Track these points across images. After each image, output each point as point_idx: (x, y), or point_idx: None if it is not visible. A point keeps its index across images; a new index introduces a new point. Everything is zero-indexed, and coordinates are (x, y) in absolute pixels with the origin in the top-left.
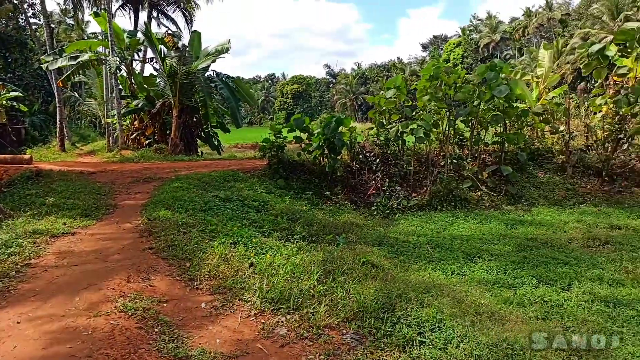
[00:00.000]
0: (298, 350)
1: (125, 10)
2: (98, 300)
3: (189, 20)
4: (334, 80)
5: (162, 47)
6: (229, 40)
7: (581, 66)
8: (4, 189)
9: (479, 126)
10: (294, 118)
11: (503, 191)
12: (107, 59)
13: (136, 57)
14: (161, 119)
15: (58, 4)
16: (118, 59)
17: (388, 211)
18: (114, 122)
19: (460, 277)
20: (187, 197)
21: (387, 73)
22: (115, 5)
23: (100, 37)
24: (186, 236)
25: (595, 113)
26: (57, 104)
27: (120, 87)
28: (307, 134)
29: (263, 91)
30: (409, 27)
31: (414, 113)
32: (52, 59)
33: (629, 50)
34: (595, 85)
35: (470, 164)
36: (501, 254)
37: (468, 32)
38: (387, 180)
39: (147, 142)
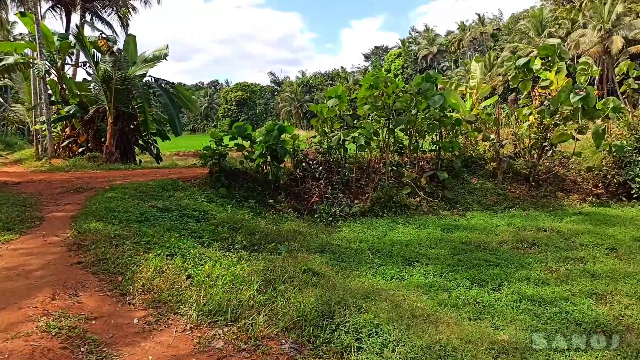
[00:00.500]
0: None
1: (55, 11)
2: (17, 320)
3: (125, 24)
4: (278, 88)
5: (96, 51)
6: (167, 45)
7: (509, 78)
8: None
9: (417, 134)
10: (236, 125)
11: (440, 197)
12: (35, 62)
13: (68, 60)
14: (95, 126)
15: None
16: (47, 63)
17: (331, 218)
18: (43, 129)
19: (399, 282)
20: (121, 208)
21: (331, 82)
22: (45, 6)
23: (28, 39)
24: (119, 249)
25: (522, 122)
26: None
27: (50, 92)
28: (249, 141)
29: (206, 98)
30: (352, 37)
31: (355, 121)
32: None
33: (550, 64)
34: (522, 96)
35: (410, 170)
36: (438, 258)
37: (407, 43)
38: (330, 187)
39: (80, 150)
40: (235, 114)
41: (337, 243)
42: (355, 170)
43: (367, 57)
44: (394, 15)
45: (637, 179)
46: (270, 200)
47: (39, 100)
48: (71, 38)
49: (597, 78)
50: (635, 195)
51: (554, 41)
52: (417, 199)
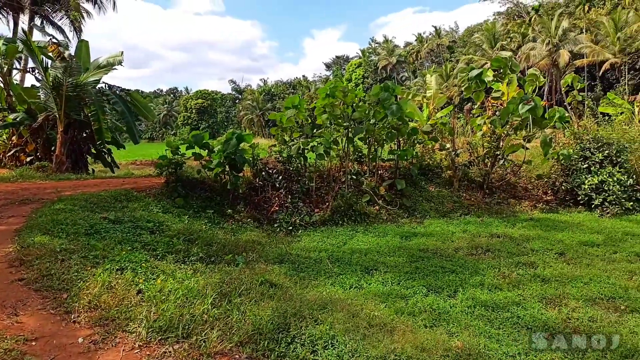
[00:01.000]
0: None
1: (2, 15)
2: None
3: (77, 29)
4: (240, 96)
5: (45, 56)
6: (122, 52)
7: (463, 89)
8: None
9: (375, 143)
10: (193, 134)
11: (399, 205)
12: None
13: (17, 66)
14: (45, 134)
15: None
16: None
17: (291, 228)
18: None
19: (358, 291)
20: (69, 220)
21: (293, 90)
22: None
23: None
24: (65, 264)
25: (476, 132)
26: None
27: None
28: (207, 150)
29: (165, 105)
30: (313, 46)
31: (315, 130)
32: None
33: (502, 76)
34: (476, 106)
35: (369, 179)
36: (396, 266)
37: (368, 54)
38: (290, 196)
39: (28, 159)
40: (195, 121)
41: (296, 253)
42: (315, 179)
43: (328, 66)
44: (354, 25)
45: (582, 186)
46: (229, 210)
47: None
48: (19, 42)
49: (546, 89)
50: (581, 202)
51: (506, 54)
52: (377, 207)
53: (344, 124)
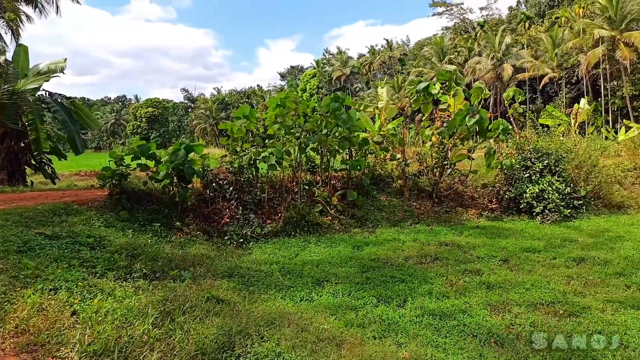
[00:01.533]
0: None
1: None
2: None
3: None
4: (193, 105)
5: None
6: (65, 59)
7: (411, 101)
8: None
9: (328, 153)
10: (138, 144)
11: (351, 214)
12: None
13: None
14: None
15: None
16: None
17: (242, 240)
18: None
19: (308, 304)
20: (0, 237)
21: (247, 99)
22: None
23: None
24: None
25: (426, 142)
26: None
27: None
28: (154, 161)
29: (113, 114)
30: (268, 56)
31: (267, 141)
32: None
33: (448, 88)
34: (424, 118)
35: (322, 189)
36: (347, 277)
37: (322, 64)
38: (241, 208)
39: None
40: (145, 130)
41: (247, 266)
42: (267, 189)
43: (282, 76)
44: (308, 37)
45: (524, 194)
46: (177, 223)
47: None
48: None
49: (492, 101)
50: (523, 209)
51: (451, 67)
52: (329, 218)
53: (296, 134)
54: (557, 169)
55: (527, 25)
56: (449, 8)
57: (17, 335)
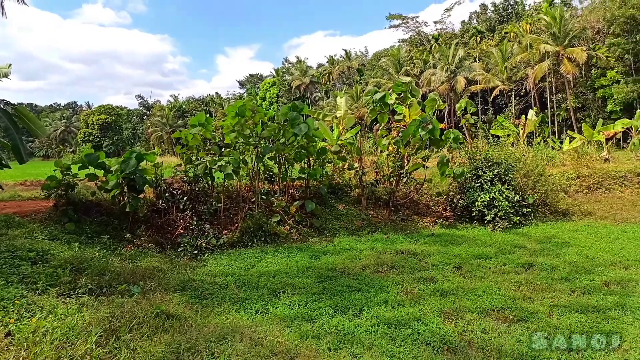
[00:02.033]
0: None
1: None
2: None
3: None
4: (148, 112)
5: None
6: (9, 65)
7: (368, 111)
8: None
9: (286, 162)
10: (86, 153)
11: (309, 224)
12: None
13: None
14: None
15: None
16: None
17: (196, 251)
18: None
19: (264, 316)
20: None
21: (205, 107)
22: None
23: None
24: None
25: (382, 152)
26: None
27: None
28: (103, 170)
29: (63, 120)
30: (227, 64)
31: (223, 149)
32: None
33: (403, 99)
34: (380, 127)
35: (280, 199)
36: (304, 287)
37: (282, 73)
38: (196, 218)
39: None
40: (97, 138)
41: (200, 278)
42: (224, 199)
43: (242, 84)
44: (268, 45)
45: (476, 202)
46: (128, 235)
47: None
48: None
49: (446, 112)
50: (475, 217)
51: (406, 79)
52: (287, 227)
53: (253, 143)
54: (506, 177)
55: (478, 39)
56: (405, 21)
57: None
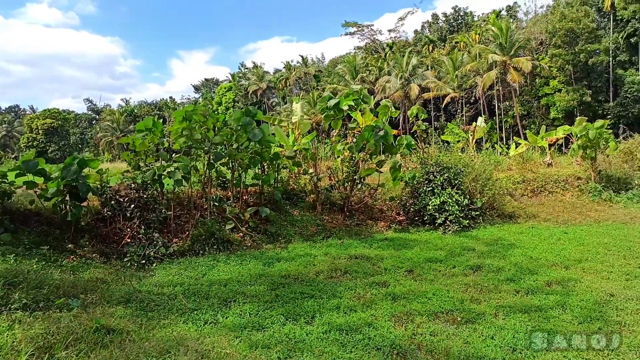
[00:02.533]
0: None
1: None
2: None
3: None
4: (97, 117)
5: None
6: None
7: (322, 117)
8: None
9: (240, 168)
10: (23, 160)
11: (263, 230)
12: None
13: None
14: None
15: None
16: None
17: (144, 261)
18: None
19: (213, 326)
20: None
21: (158, 112)
22: None
23: None
24: None
25: (337, 157)
26: None
27: None
28: (43, 177)
29: (4, 125)
30: (181, 68)
31: (174, 155)
32: None
33: (356, 106)
34: (335, 133)
35: (233, 205)
36: (256, 295)
37: (238, 78)
38: (144, 226)
39: None
40: (42, 143)
41: (147, 289)
42: (174, 206)
43: (197, 88)
44: (224, 49)
45: (428, 206)
46: (70, 245)
47: None
48: None
49: (401, 119)
50: (427, 221)
51: (357, 87)
52: (241, 234)
53: (204, 149)
54: (456, 182)
55: (430, 48)
56: (360, 28)
57: None
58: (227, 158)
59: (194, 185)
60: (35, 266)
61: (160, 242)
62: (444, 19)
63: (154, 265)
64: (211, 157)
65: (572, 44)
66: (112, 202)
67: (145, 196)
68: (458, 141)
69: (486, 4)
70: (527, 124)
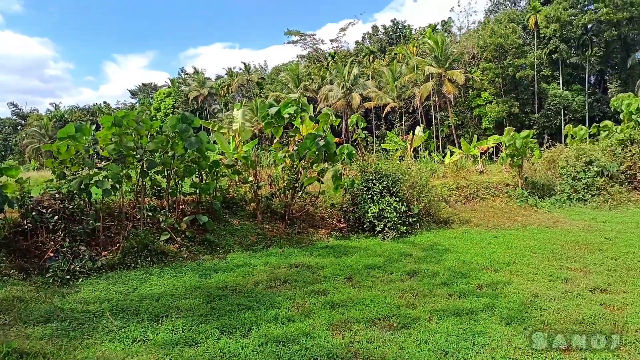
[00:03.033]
0: None
1: None
2: None
3: None
4: (23, 122)
5: None
6: None
7: (263, 124)
8: None
9: (176, 177)
10: None
11: (201, 241)
12: None
13: None
14: None
15: None
16: None
17: (68, 277)
18: None
19: (142, 344)
20: None
21: (91, 117)
22: None
23: None
24: None
25: (278, 165)
26: None
27: None
28: None
29: None
30: (117, 72)
31: (103, 163)
32: None
33: (295, 115)
34: (275, 141)
35: (169, 215)
36: (190, 309)
37: (178, 83)
38: (69, 239)
39: None
40: None
41: (71, 307)
42: (104, 217)
43: (134, 93)
44: (163, 54)
45: (367, 214)
46: None
47: None
48: None
49: (343, 127)
50: (367, 228)
51: (294, 96)
52: (177, 245)
53: (137, 156)
54: (394, 189)
55: (371, 58)
56: (302, 37)
57: None
58: (162, 166)
59: (126, 195)
60: None
61: (87, 256)
62: (383, 31)
63: (80, 280)
64: (144, 165)
65: (501, 58)
66: (34, 213)
67: (71, 207)
68: (397, 149)
69: (423, 18)
70: (461, 133)
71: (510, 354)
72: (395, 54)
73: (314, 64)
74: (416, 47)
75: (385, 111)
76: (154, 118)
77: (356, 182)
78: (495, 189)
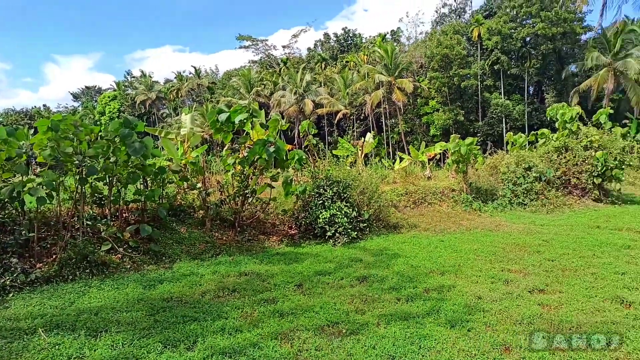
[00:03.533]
0: None
1: None
2: None
3: None
4: None
5: None
6: None
7: (212, 131)
8: None
9: (119, 184)
10: None
11: (146, 250)
12: None
13: None
14: None
15: None
16: None
17: None
18: None
19: None
20: None
21: (29, 121)
22: None
23: None
24: None
25: (228, 171)
26: None
27: None
28: None
29: None
30: (58, 73)
31: (39, 169)
32: None
33: (245, 121)
34: (226, 147)
35: (111, 224)
36: (132, 322)
37: (124, 87)
38: None
39: None
40: None
41: None
42: (39, 227)
43: (76, 96)
44: (108, 56)
45: (318, 219)
46: None
47: None
48: None
49: (295, 133)
50: (318, 234)
51: (243, 102)
52: (119, 256)
53: (75, 162)
54: (345, 195)
55: (323, 65)
56: (254, 43)
57: None
58: (104, 172)
59: (64, 203)
60: None
61: (19, 269)
62: (335, 38)
63: (11, 295)
64: (84, 171)
65: (447, 68)
66: None
67: (1, 216)
68: (348, 156)
69: (373, 27)
70: (410, 140)
71: (455, 356)
72: (347, 62)
73: (266, 70)
74: (367, 55)
75: (337, 118)
76: (98, 122)
77: (308, 188)
78: (442, 194)
